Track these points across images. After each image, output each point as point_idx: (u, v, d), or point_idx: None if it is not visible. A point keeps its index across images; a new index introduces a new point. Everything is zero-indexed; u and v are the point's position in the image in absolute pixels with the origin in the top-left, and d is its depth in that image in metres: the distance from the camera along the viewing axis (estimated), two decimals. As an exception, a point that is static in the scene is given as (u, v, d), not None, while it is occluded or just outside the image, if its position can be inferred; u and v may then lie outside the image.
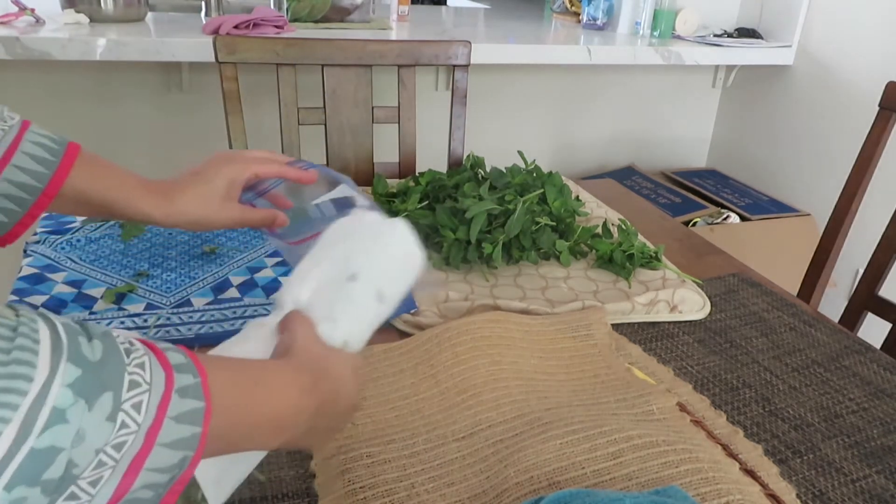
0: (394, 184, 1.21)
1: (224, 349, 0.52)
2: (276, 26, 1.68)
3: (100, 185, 0.66)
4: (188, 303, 0.85)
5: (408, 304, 0.87)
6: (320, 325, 0.54)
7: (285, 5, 1.84)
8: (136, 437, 0.34)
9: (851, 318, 1.20)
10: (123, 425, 0.34)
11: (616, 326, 0.87)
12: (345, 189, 0.69)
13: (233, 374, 0.44)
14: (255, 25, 1.64)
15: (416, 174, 1.19)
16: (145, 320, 0.81)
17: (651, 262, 1.00)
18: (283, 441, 0.47)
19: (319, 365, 0.50)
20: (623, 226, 1.06)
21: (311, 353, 0.51)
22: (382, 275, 0.57)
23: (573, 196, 1.14)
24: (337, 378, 0.51)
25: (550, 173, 1.11)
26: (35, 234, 0.98)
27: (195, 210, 0.68)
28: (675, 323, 0.91)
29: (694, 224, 1.96)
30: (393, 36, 1.84)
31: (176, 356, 0.39)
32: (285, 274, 0.94)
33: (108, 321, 0.79)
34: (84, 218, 1.03)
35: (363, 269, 0.56)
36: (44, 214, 1.04)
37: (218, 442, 0.41)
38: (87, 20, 1.62)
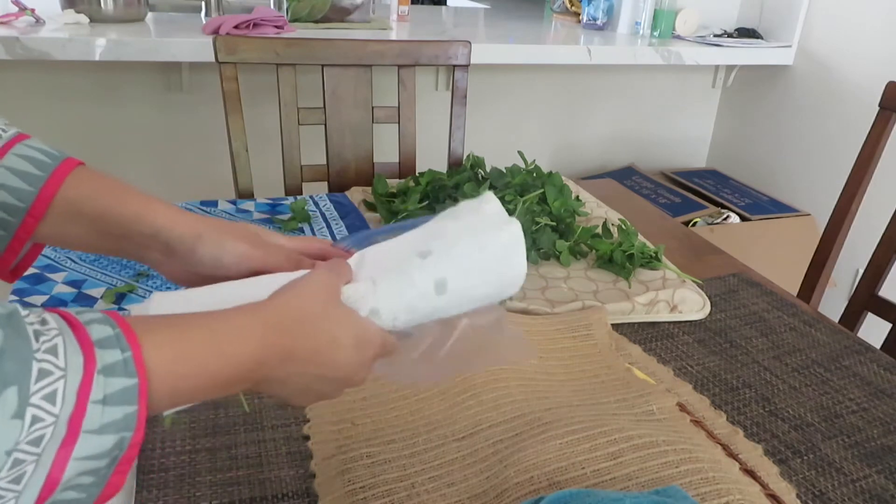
0: (394, 184, 1.21)
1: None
2: (276, 26, 1.68)
3: (99, 195, 0.55)
4: (188, 303, 0.85)
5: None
6: (358, 282, 0.49)
7: (285, 5, 1.84)
8: (55, 428, 0.32)
9: (851, 318, 1.20)
10: (36, 419, 0.31)
11: (616, 326, 0.87)
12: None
13: (178, 336, 0.39)
14: (255, 25, 1.64)
15: (416, 174, 1.19)
16: (145, 320, 0.81)
17: (651, 262, 1.00)
18: (243, 389, 0.44)
19: (302, 316, 0.46)
20: (623, 226, 1.06)
21: (298, 302, 0.46)
22: (457, 265, 0.50)
23: (573, 196, 1.14)
24: (322, 336, 0.46)
25: (550, 173, 1.11)
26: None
27: (219, 237, 0.55)
28: (675, 323, 0.91)
29: (694, 224, 1.96)
30: (393, 36, 1.84)
31: (101, 329, 0.35)
32: (285, 274, 0.93)
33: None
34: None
35: (438, 250, 0.50)
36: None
37: (161, 406, 0.39)
38: (87, 20, 1.62)
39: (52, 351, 0.33)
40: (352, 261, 0.51)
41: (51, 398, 0.32)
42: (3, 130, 0.55)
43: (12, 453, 0.31)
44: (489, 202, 0.53)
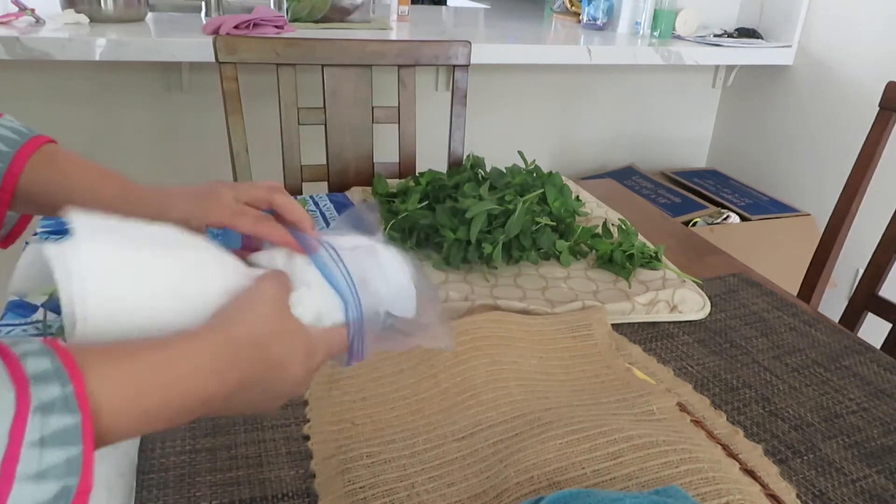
0: (394, 184, 1.21)
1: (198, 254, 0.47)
2: (276, 26, 1.68)
3: (65, 183, 0.57)
4: (188, 303, 0.85)
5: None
6: (296, 290, 0.50)
7: (285, 5, 1.84)
8: None
9: (851, 318, 1.20)
10: None
11: (616, 326, 0.87)
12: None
13: (126, 368, 0.36)
14: (255, 25, 1.64)
15: (416, 174, 1.19)
16: (145, 320, 0.81)
17: (651, 262, 1.00)
18: (192, 419, 0.42)
19: (255, 341, 0.44)
20: (623, 226, 1.06)
21: (252, 323, 0.44)
22: (366, 266, 0.54)
23: (573, 196, 1.14)
24: (275, 359, 0.45)
25: (550, 173, 1.11)
26: (35, 233, 0.98)
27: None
28: (675, 323, 0.91)
29: (694, 224, 1.96)
30: (393, 36, 1.84)
31: (38, 363, 0.32)
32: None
33: (108, 321, 0.79)
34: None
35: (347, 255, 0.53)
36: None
37: (102, 444, 0.35)
38: (87, 20, 1.62)
39: None
40: (280, 262, 0.52)
41: None
42: None
43: None
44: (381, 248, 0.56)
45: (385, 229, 1.03)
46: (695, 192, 2.17)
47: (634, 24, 2.24)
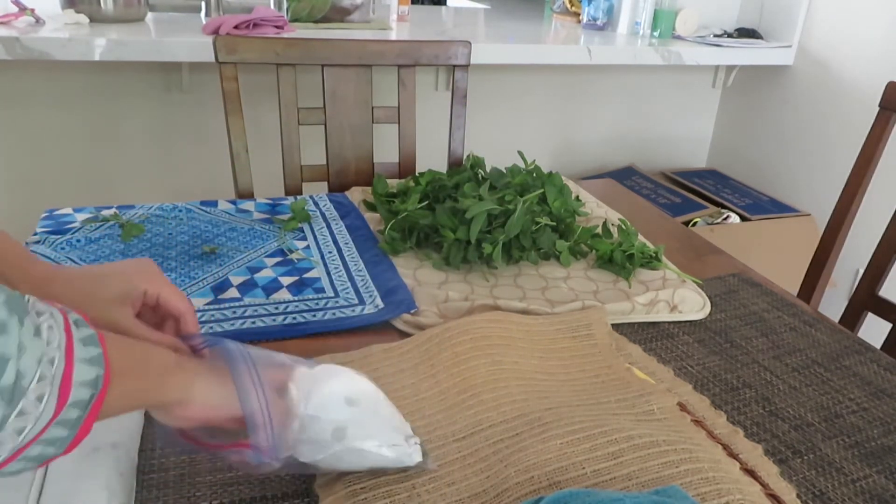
0: (394, 184, 1.21)
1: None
2: (276, 26, 1.68)
3: None
4: (188, 303, 0.85)
5: (408, 304, 0.87)
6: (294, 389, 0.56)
7: (285, 5, 1.84)
8: (59, 353, 0.39)
9: (851, 318, 1.20)
10: (48, 342, 0.38)
11: (616, 326, 0.87)
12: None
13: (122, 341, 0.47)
14: (255, 25, 1.64)
15: (416, 174, 1.19)
16: (145, 320, 0.81)
17: (651, 262, 1.00)
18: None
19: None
20: (623, 226, 1.06)
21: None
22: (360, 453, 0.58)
23: (573, 196, 1.14)
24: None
25: (550, 173, 1.11)
26: (35, 233, 0.98)
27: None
28: (675, 323, 0.91)
29: (694, 224, 1.96)
30: (393, 36, 1.84)
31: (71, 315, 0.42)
32: (285, 274, 0.94)
33: (108, 321, 0.79)
34: (84, 218, 1.03)
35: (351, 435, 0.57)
36: (44, 213, 1.04)
37: (119, 387, 0.43)
38: (87, 20, 1.62)
39: (35, 302, 0.40)
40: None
41: (50, 329, 0.39)
42: None
43: (40, 363, 0.37)
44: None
45: (385, 229, 1.03)
46: (695, 192, 2.17)
47: (634, 24, 2.24)
